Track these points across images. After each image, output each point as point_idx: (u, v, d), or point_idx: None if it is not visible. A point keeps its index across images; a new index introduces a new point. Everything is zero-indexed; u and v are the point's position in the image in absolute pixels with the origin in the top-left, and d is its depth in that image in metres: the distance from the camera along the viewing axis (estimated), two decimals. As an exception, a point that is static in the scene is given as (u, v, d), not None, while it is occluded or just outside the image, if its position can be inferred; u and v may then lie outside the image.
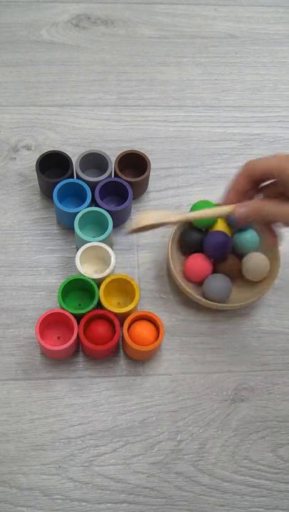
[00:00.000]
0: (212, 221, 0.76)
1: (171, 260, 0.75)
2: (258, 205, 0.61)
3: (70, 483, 0.69)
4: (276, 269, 0.76)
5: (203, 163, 0.88)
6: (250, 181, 0.63)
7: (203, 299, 0.74)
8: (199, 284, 0.76)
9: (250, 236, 0.75)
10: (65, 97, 0.92)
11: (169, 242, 0.77)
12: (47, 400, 0.72)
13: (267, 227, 0.66)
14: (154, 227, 0.65)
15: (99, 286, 0.72)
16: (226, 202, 0.64)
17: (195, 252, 0.77)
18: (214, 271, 0.77)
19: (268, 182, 0.64)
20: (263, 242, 0.65)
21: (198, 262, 0.76)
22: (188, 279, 0.76)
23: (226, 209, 0.63)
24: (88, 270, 0.75)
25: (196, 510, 0.69)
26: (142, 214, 0.67)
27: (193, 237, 0.77)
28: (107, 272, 0.72)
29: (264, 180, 0.64)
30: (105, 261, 0.75)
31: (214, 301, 0.75)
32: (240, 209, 0.62)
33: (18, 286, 0.78)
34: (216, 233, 0.75)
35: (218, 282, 0.75)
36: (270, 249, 0.76)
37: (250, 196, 0.65)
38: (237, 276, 0.77)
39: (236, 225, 0.67)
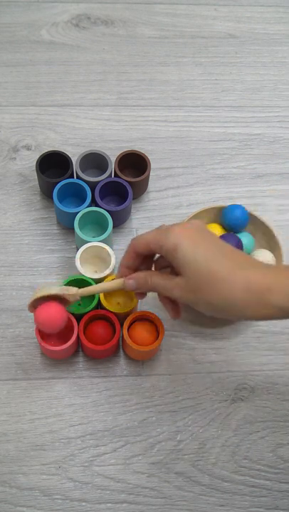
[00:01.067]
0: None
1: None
2: (145, 276, 0.61)
3: (70, 483, 0.69)
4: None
5: (203, 163, 0.88)
6: (138, 256, 0.62)
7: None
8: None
9: (246, 241, 0.76)
10: (65, 97, 0.92)
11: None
12: (47, 400, 0.72)
13: (166, 299, 0.63)
14: (53, 298, 0.64)
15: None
16: (120, 276, 0.64)
17: None
18: None
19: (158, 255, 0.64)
20: (169, 312, 0.64)
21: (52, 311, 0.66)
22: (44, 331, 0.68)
23: (119, 281, 0.63)
24: (88, 270, 0.75)
25: (196, 510, 0.69)
26: (41, 286, 0.67)
27: None
28: (107, 271, 0.73)
29: (151, 255, 0.63)
30: (105, 261, 0.75)
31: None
32: (128, 281, 0.62)
33: (18, 286, 0.78)
34: (228, 236, 0.76)
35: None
36: (275, 255, 0.77)
37: (144, 269, 0.64)
38: None
39: (137, 297, 0.68)
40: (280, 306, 0.54)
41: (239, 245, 0.75)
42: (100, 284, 0.65)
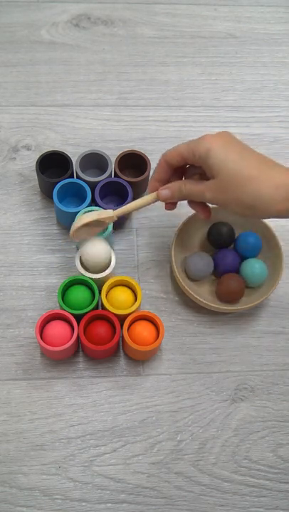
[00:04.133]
0: None
1: (173, 260, 0.75)
2: (178, 184, 0.67)
3: (70, 483, 0.69)
4: (279, 273, 0.75)
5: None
6: (169, 169, 0.68)
7: (203, 300, 0.74)
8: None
9: (258, 266, 0.76)
10: (65, 97, 0.92)
11: (172, 241, 0.77)
12: (47, 400, 0.72)
13: (197, 204, 0.70)
14: (96, 226, 0.70)
15: (99, 287, 0.72)
16: (151, 191, 0.69)
17: (223, 247, 0.78)
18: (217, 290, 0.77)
19: (188, 166, 0.69)
20: (200, 217, 0.71)
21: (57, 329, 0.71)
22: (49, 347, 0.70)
23: (152, 195, 0.69)
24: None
25: (196, 510, 0.69)
26: (80, 216, 0.71)
27: (222, 231, 0.78)
28: (108, 271, 0.72)
29: (182, 166, 0.68)
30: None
31: (196, 279, 0.76)
32: (162, 191, 0.67)
33: (18, 286, 0.78)
34: (226, 252, 0.77)
35: (198, 259, 0.76)
36: (274, 255, 0.77)
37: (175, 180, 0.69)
38: (241, 295, 0.77)
39: (166, 208, 0.72)
40: None
41: (235, 261, 0.76)
42: (134, 202, 0.69)
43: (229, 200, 0.62)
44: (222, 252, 0.77)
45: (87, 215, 0.69)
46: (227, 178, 0.61)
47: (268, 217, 0.64)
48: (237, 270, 0.77)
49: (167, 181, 0.69)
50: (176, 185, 0.67)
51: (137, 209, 0.71)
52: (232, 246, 0.79)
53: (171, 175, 0.69)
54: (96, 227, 0.70)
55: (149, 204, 0.69)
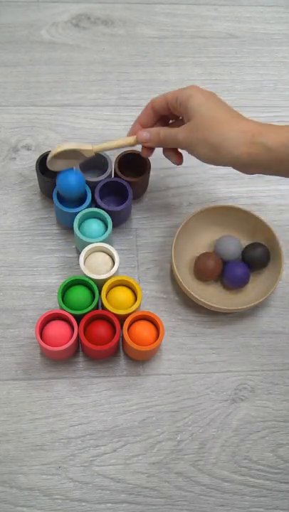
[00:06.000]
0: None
1: (173, 260, 0.75)
2: (157, 129, 0.72)
3: (70, 483, 0.69)
4: (279, 273, 0.75)
5: (203, 163, 0.88)
6: (154, 115, 0.73)
7: (203, 300, 0.74)
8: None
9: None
10: (65, 97, 0.92)
11: (172, 241, 0.77)
12: (47, 400, 0.72)
13: (170, 149, 0.74)
14: (74, 158, 0.73)
15: (99, 287, 0.72)
16: (132, 133, 0.74)
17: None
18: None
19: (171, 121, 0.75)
20: (172, 162, 0.75)
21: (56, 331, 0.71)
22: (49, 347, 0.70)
23: (132, 137, 0.73)
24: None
25: (196, 510, 0.69)
26: (60, 143, 0.74)
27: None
28: (112, 272, 0.72)
29: (166, 112, 0.73)
30: (109, 262, 0.75)
31: (226, 258, 0.78)
32: (142, 132, 0.72)
33: (18, 286, 0.78)
34: (236, 265, 0.78)
35: (228, 241, 0.78)
36: (275, 255, 0.77)
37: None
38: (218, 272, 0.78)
39: (143, 155, 0.76)
40: (268, 146, 0.62)
41: (245, 274, 0.78)
42: (114, 140, 0.73)
43: (197, 141, 0.67)
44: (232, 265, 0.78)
45: (66, 144, 0.72)
46: (200, 120, 0.66)
47: (230, 162, 0.66)
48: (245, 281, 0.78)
49: (150, 126, 0.74)
50: (155, 129, 0.72)
51: (116, 148, 0.74)
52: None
53: (155, 122, 0.74)
54: (73, 160, 0.74)
55: (128, 145, 0.73)
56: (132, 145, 0.74)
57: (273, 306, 0.79)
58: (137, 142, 0.73)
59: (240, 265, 0.77)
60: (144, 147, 0.74)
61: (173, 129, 0.70)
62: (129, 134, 0.75)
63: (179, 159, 0.75)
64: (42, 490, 0.68)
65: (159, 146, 0.73)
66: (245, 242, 0.80)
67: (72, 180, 0.74)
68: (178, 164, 0.75)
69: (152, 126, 0.74)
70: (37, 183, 0.83)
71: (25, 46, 0.96)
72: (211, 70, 0.96)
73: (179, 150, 0.74)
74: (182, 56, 0.97)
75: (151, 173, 0.83)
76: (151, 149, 0.74)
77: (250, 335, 0.78)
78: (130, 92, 0.93)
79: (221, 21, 1.01)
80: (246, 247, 0.79)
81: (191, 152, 0.69)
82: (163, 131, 0.71)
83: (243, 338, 0.77)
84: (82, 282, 0.73)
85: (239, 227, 0.81)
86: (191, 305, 0.78)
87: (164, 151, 0.75)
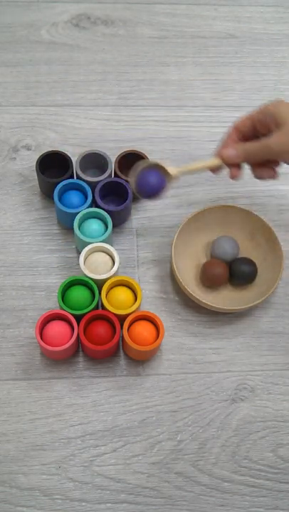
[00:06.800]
0: None
1: (173, 260, 0.75)
2: (242, 144, 0.69)
3: (70, 483, 0.69)
4: (279, 273, 0.75)
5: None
6: (240, 138, 0.70)
7: (203, 300, 0.74)
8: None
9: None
10: (65, 97, 0.92)
11: (172, 241, 0.77)
12: (47, 400, 0.72)
13: (261, 165, 0.71)
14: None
15: (99, 287, 0.72)
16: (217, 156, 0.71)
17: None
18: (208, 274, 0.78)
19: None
20: (260, 176, 0.72)
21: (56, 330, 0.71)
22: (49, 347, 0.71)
23: (216, 159, 0.70)
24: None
25: (196, 510, 0.69)
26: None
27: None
28: (112, 272, 0.72)
29: (251, 133, 0.70)
30: (109, 262, 0.75)
31: (224, 259, 0.78)
32: (227, 149, 0.69)
33: (18, 286, 0.78)
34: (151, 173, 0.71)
35: (225, 242, 0.78)
36: (274, 255, 0.77)
37: None
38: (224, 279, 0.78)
39: (232, 176, 0.71)
40: None
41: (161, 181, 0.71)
42: (197, 162, 0.71)
43: None
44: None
45: (156, 160, 0.70)
46: None
47: None
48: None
49: None
50: (239, 144, 0.69)
51: (199, 171, 0.71)
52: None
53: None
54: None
55: (212, 167, 0.70)
56: (218, 167, 0.70)
57: (273, 307, 0.79)
58: (221, 164, 0.70)
59: (153, 173, 0.71)
60: (233, 167, 0.70)
61: (261, 140, 0.67)
62: (215, 156, 0.71)
63: (275, 174, 0.71)
64: (42, 490, 0.68)
65: (246, 162, 0.70)
66: (245, 242, 0.80)
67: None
68: (275, 179, 0.72)
69: None
70: (37, 183, 0.83)
71: (25, 46, 0.96)
72: (211, 70, 0.96)
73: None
74: (182, 56, 0.97)
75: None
76: (240, 169, 0.70)
77: (250, 335, 0.78)
78: (130, 92, 0.93)
79: (221, 21, 1.01)
80: (234, 261, 0.78)
81: (285, 159, 0.67)
82: (249, 144, 0.68)
83: (243, 338, 0.77)
84: (82, 282, 0.73)
85: (239, 227, 0.81)
86: (191, 305, 0.78)
87: (256, 170, 0.71)
